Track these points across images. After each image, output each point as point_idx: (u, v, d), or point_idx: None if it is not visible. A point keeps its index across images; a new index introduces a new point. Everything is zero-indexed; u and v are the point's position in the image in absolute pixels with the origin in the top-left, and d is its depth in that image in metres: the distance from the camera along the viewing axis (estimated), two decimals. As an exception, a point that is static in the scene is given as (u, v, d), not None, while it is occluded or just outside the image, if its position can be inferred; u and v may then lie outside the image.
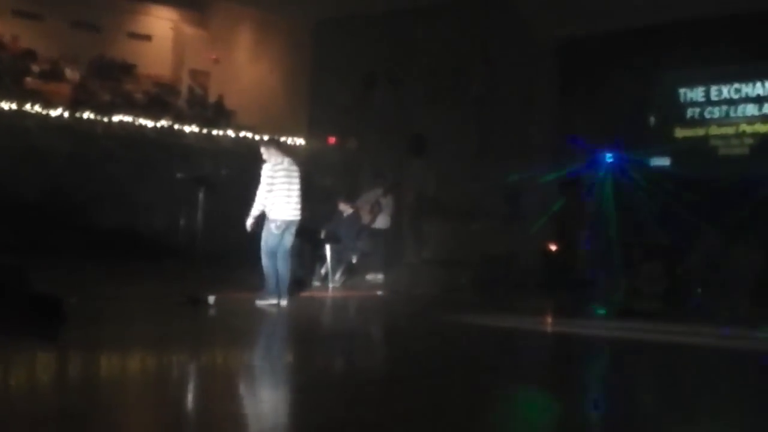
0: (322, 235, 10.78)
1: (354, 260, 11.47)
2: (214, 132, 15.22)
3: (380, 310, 9.60)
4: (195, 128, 14.87)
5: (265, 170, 8.26)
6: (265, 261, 8.26)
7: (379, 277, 11.89)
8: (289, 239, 8.39)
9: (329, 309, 9.56)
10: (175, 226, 11.60)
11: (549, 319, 9.33)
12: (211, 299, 8.05)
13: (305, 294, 9.82)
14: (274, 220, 8.23)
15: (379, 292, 10.72)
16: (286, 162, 8.38)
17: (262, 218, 8.31)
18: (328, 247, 10.66)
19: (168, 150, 13.70)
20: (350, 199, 11.75)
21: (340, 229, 11.14)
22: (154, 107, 14.82)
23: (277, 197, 8.23)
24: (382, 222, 12.30)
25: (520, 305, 10.52)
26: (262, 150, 8.48)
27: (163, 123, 14.38)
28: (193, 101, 16.36)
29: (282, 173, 8.28)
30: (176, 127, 14.58)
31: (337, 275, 11.00)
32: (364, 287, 11.19)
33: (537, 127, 14.12)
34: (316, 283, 10.73)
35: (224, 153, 14.58)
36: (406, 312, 9.33)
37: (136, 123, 13.94)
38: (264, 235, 8.26)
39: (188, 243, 8.92)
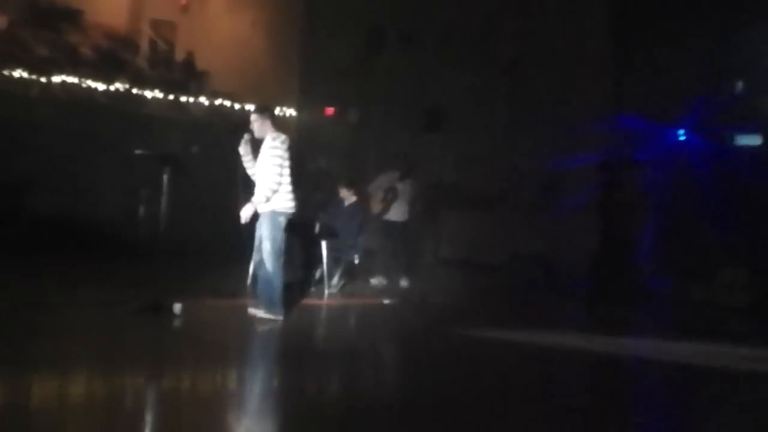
0: (317, 230, 10.75)
1: (356, 260, 11.41)
2: (183, 99, 15.17)
3: (387, 322, 9.61)
4: (158, 93, 14.82)
5: (274, 147, 8.17)
6: (275, 266, 8.21)
7: (403, 283, 12.00)
8: None
9: (323, 321, 9.64)
10: (132, 215, 11.57)
11: (602, 338, 9.21)
12: (177, 307, 8.05)
13: (294, 302, 9.88)
14: (283, 213, 8.23)
15: (386, 300, 10.76)
16: (288, 141, 8.37)
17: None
18: (323, 244, 10.60)
19: (124, 120, 13.63)
20: (353, 184, 11.56)
21: (339, 222, 11.11)
22: (105, 66, 14.66)
23: (285, 183, 8.23)
24: (397, 212, 12.22)
25: (563, 319, 10.54)
26: (254, 121, 8.32)
27: (117, 86, 14.27)
28: (155, 59, 16.31)
29: (288, 153, 8.26)
30: (134, 91, 14.52)
31: (335, 279, 10.98)
32: (367, 294, 11.28)
33: (584, 96, 14.03)
34: (309, 289, 10.68)
35: (195, 125, 14.53)
36: (420, 325, 9.37)
37: (83, 85, 13.80)
38: (270, 233, 8.19)
39: (148, 237, 8.89)
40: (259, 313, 8.24)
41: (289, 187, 8.26)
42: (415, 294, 11.45)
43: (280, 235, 8.22)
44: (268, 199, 8.12)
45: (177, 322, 7.86)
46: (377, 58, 16.00)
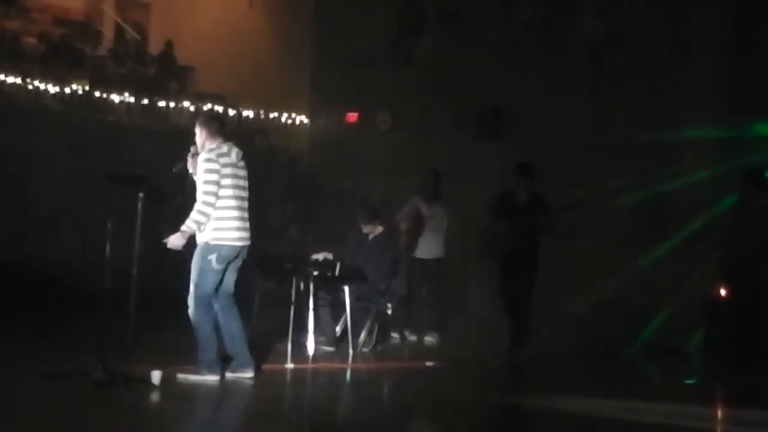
0: (337, 271, 10.67)
1: (389, 310, 11.42)
2: (160, 103, 15.33)
3: (432, 394, 9.50)
4: (127, 96, 14.93)
5: (207, 160, 8.42)
6: (197, 314, 8.50)
7: (429, 339, 12.09)
8: (232, 276, 8.70)
9: (348, 391, 9.65)
10: (94, 255, 11.40)
11: (725, 414, 9.07)
12: (156, 376, 8.10)
13: (310, 365, 9.97)
14: (218, 247, 8.43)
15: (429, 363, 10.81)
16: (234, 152, 8.58)
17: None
18: (346, 290, 10.69)
19: (83, 131, 13.74)
20: (376, 213, 11.68)
21: (364, 260, 11.12)
22: (57, 60, 14.79)
23: (227, 208, 8.44)
24: (430, 248, 12.26)
25: (668, 387, 10.51)
26: (197, 134, 8.62)
27: (73, 86, 14.36)
28: (123, 51, 16.36)
29: (230, 169, 8.48)
30: (96, 94, 14.63)
31: (363, 335, 11.03)
32: (405, 355, 11.38)
33: (695, 88, 14.02)
34: (327, 348, 10.80)
35: (176, 136, 14.23)
36: (476, 397, 9.30)
37: (29, 86, 13.90)
38: (196, 271, 8.50)
39: (118, 282, 8.72)
40: (189, 374, 8.41)
41: (235, 213, 8.46)
42: (469, 353, 11.42)
43: (210, 278, 8.40)
44: (200, 226, 8.31)
45: (155, 397, 7.84)
46: (413, 44, 15.98)
